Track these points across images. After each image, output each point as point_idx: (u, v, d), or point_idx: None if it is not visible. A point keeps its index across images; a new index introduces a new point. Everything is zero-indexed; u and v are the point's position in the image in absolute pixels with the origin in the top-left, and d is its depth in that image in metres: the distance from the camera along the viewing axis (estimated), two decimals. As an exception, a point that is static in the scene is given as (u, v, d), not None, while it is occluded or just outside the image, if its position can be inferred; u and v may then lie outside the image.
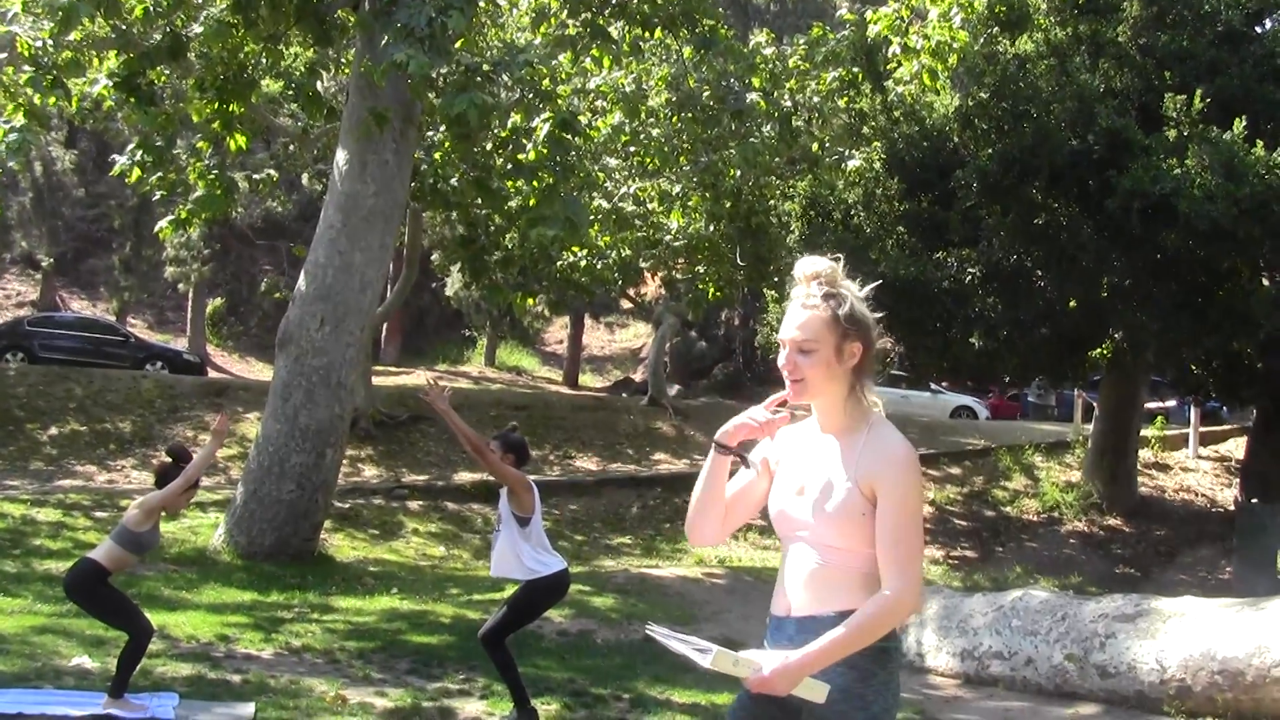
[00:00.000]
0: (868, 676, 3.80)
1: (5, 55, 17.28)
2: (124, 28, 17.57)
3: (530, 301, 28.54)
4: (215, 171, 19.94)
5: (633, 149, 23.67)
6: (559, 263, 26.33)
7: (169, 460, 8.83)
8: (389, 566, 17.90)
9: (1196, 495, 25.55)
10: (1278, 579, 17.71)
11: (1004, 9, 20.02)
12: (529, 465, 9.06)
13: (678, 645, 3.86)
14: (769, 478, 4.16)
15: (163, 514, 8.72)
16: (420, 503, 22.24)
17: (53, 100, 16.72)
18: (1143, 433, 26.17)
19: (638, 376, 46.22)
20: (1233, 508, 21.84)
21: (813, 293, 3.93)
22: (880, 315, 4.03)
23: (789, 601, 3.96)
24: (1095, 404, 25.94)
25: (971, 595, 13.09)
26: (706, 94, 21.44)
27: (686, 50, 20.05)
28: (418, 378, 41.53)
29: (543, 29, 20.93)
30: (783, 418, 4.09)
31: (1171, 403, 33.39)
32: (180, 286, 45.89)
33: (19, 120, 16.66)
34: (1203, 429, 28.62)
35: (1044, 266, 18.94)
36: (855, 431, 3.91)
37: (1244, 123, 16.88)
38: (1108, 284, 18.73)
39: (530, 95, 19.91)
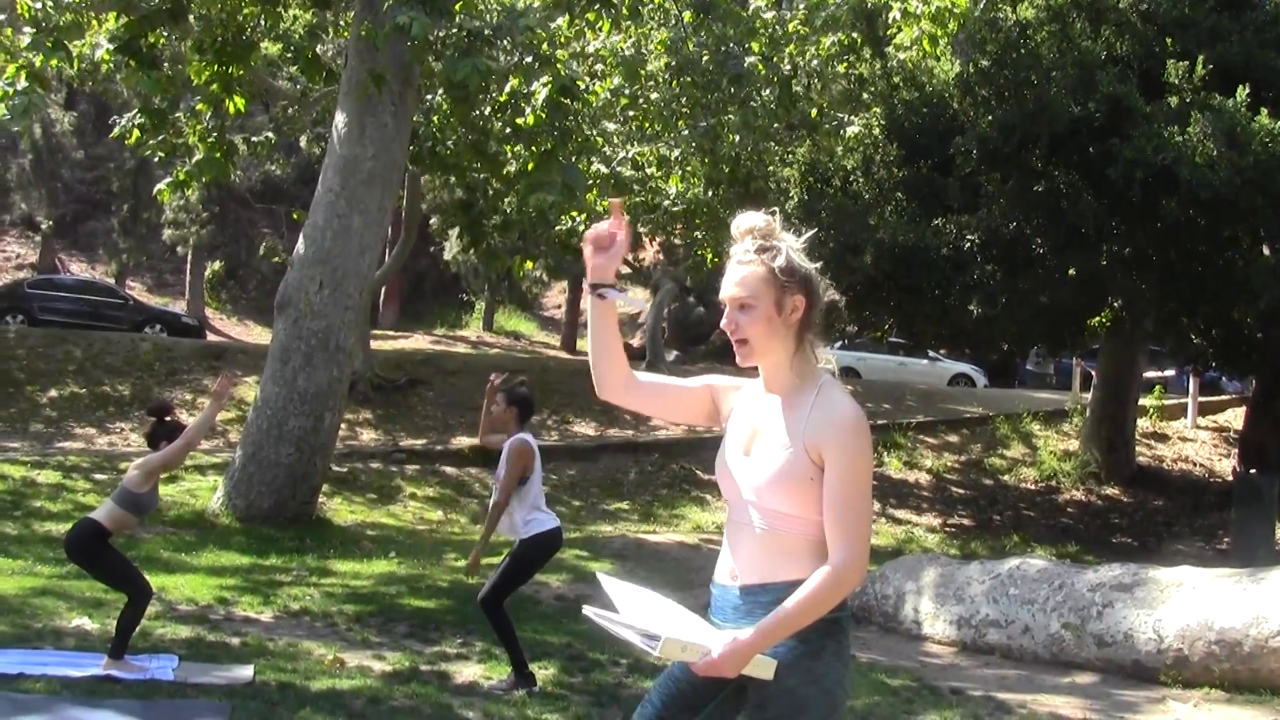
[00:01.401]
0: (818, 650, 3.69)
1: (4, 17, 17.22)
2: (123, -11, 17.51)
3: (529, 265, 28.48)
4: (214, 134, 19.89)
5: (631, 113, 23.59)
6: (557, 227, 26.27)
7: (153, 419, 8.81)
8: (387, 530, 17.93)
9: (1195, 465, 25.59)
10: (1275, 549, 17.77)
11: (1005, -26, 19.97)
12: (530, 426, 9.09)
13: (621, 631, 3.71)
14: (706, 402, 4.08)
15: (163, 474, 8.73)
16: (418, 467, 22.25)
17: (54, 62, 16.67)
18: (1141, 402, 26.20)
19: (636, 342, 46.16)
20: (1231, 478, 21.87)
21: (747, 248, 3.81)
22: (828, 278, 3.89)
23: (735, 568, 3.84)
24: (1094, 373, 25.96)
25: (969, 563, 13.11)
26: (705, 58, 21.35)
27: (686, 14, 19.98)
28: (416, 342, 41.56)
29: (540, -9, 20.84)
30: (612, 227, 3.91)
31: (1170, 372, 33.43)
32: (179, 249, 45.89)
33: (22, 82, 16.60)
34: (1201, 399, 28.64)
35: (1043, 234, 18.90)
36: (803, 392, 3.78)
37: (1247, 91, 16.84)
38: (1107, 252, 18.71)
39: (529, 59, 19.84)
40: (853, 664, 3.94)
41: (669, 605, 3.83)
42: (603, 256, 3.93)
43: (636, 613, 3.78)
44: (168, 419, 8.78)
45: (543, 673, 9.26)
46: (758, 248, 3.79)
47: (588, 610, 3.88)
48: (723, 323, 3.86)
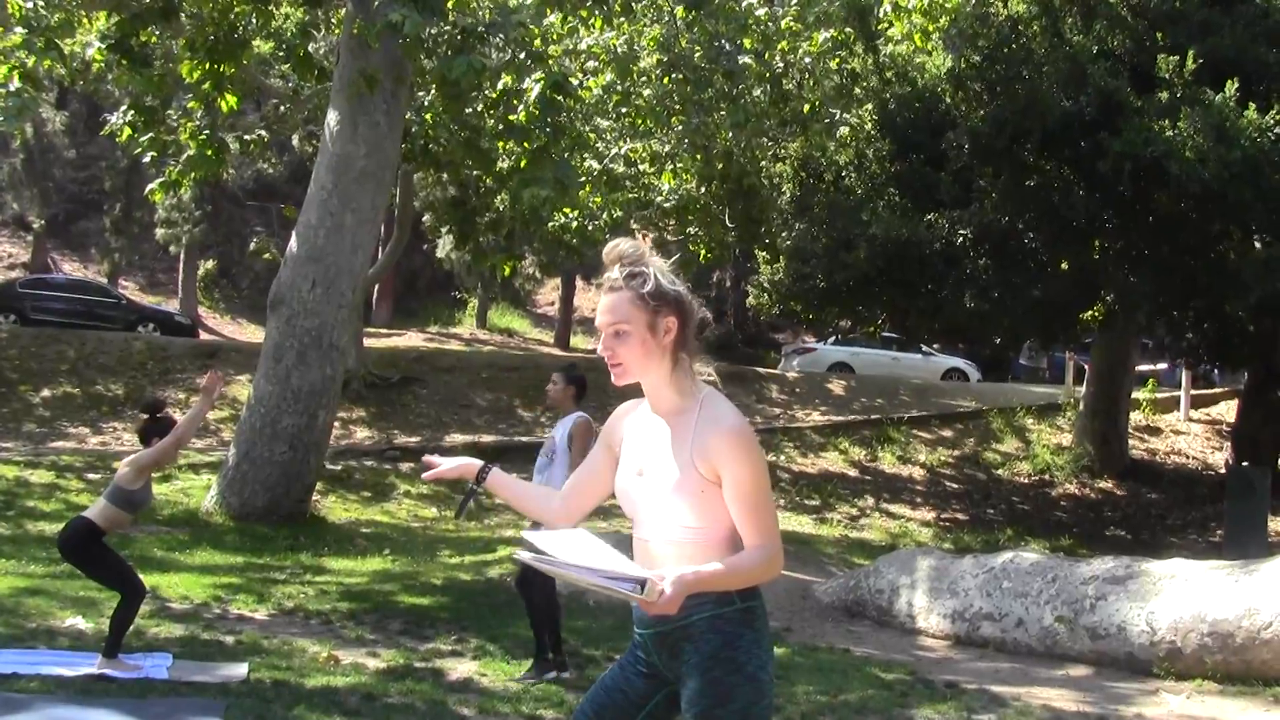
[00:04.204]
0: (735, 638, 3.78)
1: (-5, 15, 17.19)
2: (114, -13, 17.48)
3: (516, 263, 28.42)
4: (206, 132, 19.87)
5: (624, 110, 23.59)
6: (549, 224, 26.27)
7: (145, 416, 8.80)
8: (381, 528, 17.91)
9: (1187, 458, 25.63)
10: (1268, 541, 17.80)
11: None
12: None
13: (563, 570, 3.76)
14: (614, 459, 4.15)
15: (155, 471, 8.72)
16: (412, 464, 22.20)
17: (46, 63, 16.63)
18: (1134, 395, 26.22)
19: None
20: (1223, 470, 21.90)
21: (616, 275, 3.93)
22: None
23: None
24: (1086, 366, 25.99)
25: (962, 557, 13.11)
26: (698, 55, 21.37)
27: (678, 10, 19.98)
28: (409, 339, 41.51)
29: (533, -12, 20.82)
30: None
31: (1163, 365, 33.45)
32: (171, 248, 45.76)
33: (15, 83, 16.56)
34: (1194, 392, 28.66)
35: (1035, 228, 18.93)
36: (687, 409, 3.87)
37: (1236, 85, 16.85)
38: (1099, 246, 18.75)
39: (521, 56, 19.83)
40: (775, 648, 3.97)
41: (599, 545, 3.85)
42: (453, 470, 4.31)
43: (572, 554, 3.80)
44: (160, 416, 8.77)
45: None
46: (626, 274, 3.92)
47: (520, 554, 3.92)
48: (599, 348, 3.96)
